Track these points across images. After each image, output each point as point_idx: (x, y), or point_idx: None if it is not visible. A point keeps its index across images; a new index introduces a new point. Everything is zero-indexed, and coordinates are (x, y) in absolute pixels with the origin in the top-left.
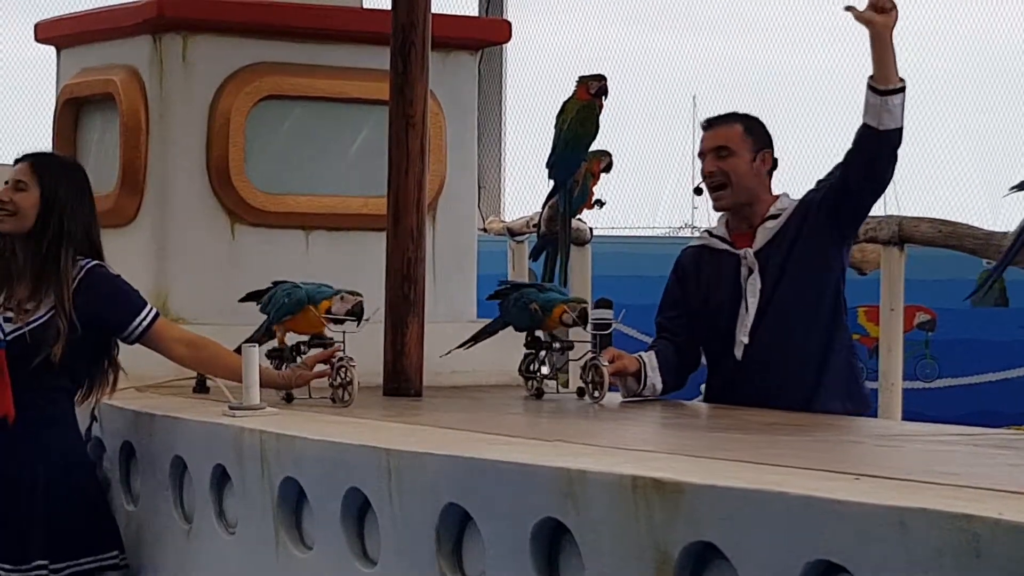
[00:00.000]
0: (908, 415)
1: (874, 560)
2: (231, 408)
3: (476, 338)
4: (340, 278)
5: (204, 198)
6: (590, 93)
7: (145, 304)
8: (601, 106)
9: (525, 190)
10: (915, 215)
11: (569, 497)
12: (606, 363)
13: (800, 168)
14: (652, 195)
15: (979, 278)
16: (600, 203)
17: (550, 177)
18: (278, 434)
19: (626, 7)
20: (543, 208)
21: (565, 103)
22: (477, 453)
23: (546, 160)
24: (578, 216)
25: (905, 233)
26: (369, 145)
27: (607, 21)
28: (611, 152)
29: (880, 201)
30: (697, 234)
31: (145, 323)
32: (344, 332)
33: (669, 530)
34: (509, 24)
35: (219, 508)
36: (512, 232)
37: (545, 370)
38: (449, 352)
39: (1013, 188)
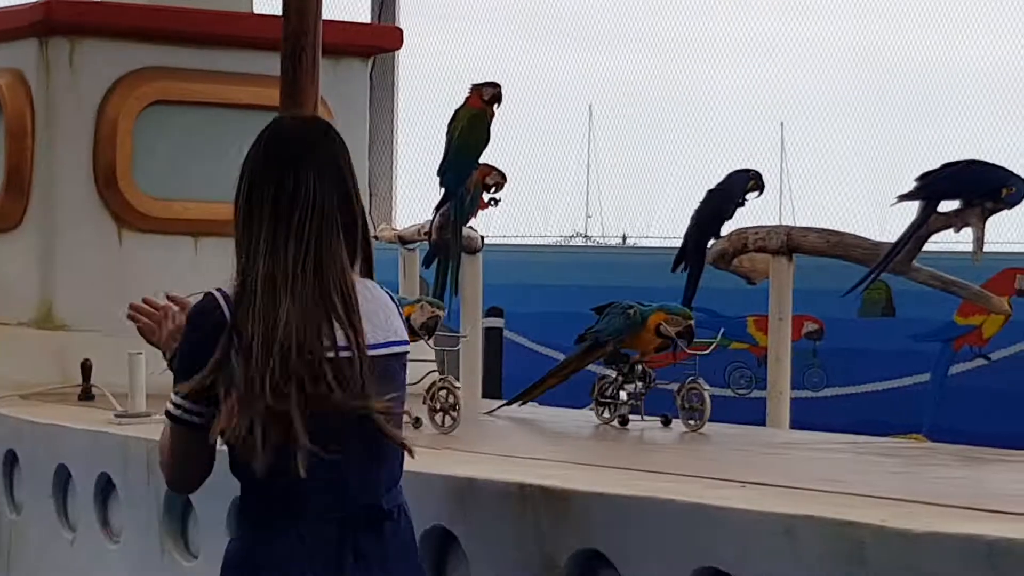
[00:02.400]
0: (796, 424)
1: (761, 567)
2: (116, 416)
3: (542, 386)
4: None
5: (91, 204)
6: (483, 101)
7: None
8: (493, 114)
9: (417, 198)
10: (804, 225)
11: (457, 505)
12: (707, 387)
13: (695, 180)
14: (544, 204)
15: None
16: (495, 201)
17: (441, 185)
18: None
19: (521, 17)
20: (434, 216)
21: (457, 111)
22: None
23: (438, 168)
24: (469, 224)
25: (794, 243)
26: None
27: (501, 30)
28: (505, 174)
29: (773, 211)
30: (589, 243)
31: None
32: (437, 347)
33: (556, 537)
34: (401, 31)
35: (104, 517)
36: (403, 240)
37: (624, 395)
38: (524, 402)
39: (900, 197)
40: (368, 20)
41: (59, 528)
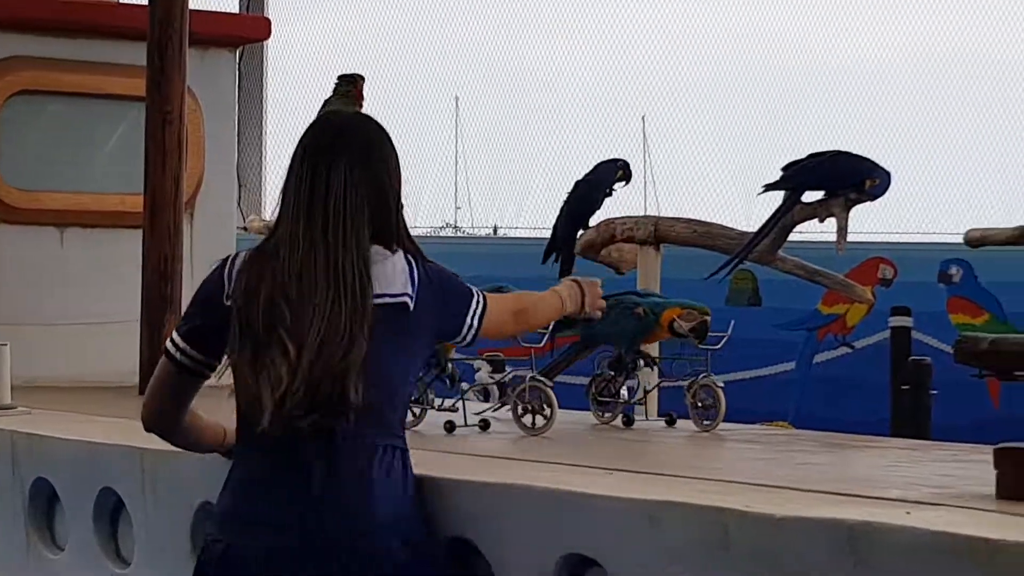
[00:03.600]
0: (663, 412)
1: (626, 553)
2: None
3: (550, 372)
4: (96, 277)
5: None
6: (349, 92)
7: None
8: (360, 106)
9: None
10: (672, 215)
11: None
12: (720, 384)
13: (563, 170)
14: (413, 196)
15: (732, 277)
16: None
17: None
18: (29, 434)
19: (389, 8)
20: None
21: (326, 102)
22: None
23: None
24: None
25: (661, 233)
26: (126, 142)
27: (370, 21)
28: None
29: (639, 201)
30: (459, 234)
31: None
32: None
33: (429, 526)
34: (268, 21)
35: None
36: None
37: (626, 393)
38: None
39: (766, 187)
40: (236, 10)
41: None
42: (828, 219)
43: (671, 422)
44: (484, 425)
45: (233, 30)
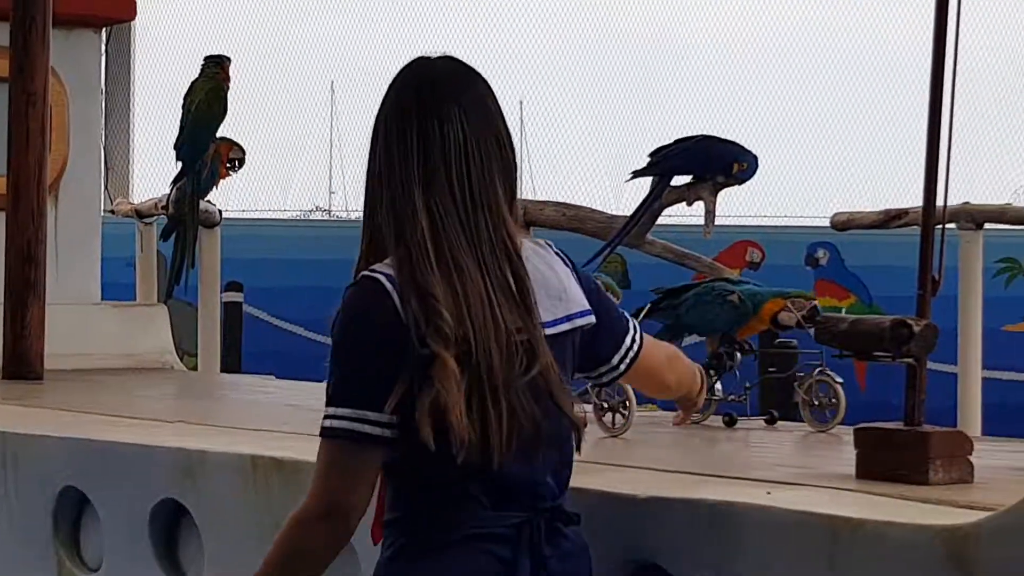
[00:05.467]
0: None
1: None
2: None
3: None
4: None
5: None
6: (217, 74)
7: None
8: (228, 87)
9: (154, 171)
10: (542, 199)
11: (188, 478)
12: (839, 380)
13: None
14: (284, 179)
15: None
16: (236, 164)
17: (178, 159)
18: None
19: None
20: (171, 190)
21: (193, 84)
22: (95, 435)
23: (174, 141)
24: (207, 198)
25: (531, 216)
26: None
27: (244, 3)
28: (243, 146)
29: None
30: (330, 217)
31: None
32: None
33: (289, 509)
34: (134, 2)
35: None
36: (140, 214)
37: (719, 388)
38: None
39: (634, 173)
40: None
41: None
42: (696, 203)
43: (731, 423)
44: None
45: (98, 10)
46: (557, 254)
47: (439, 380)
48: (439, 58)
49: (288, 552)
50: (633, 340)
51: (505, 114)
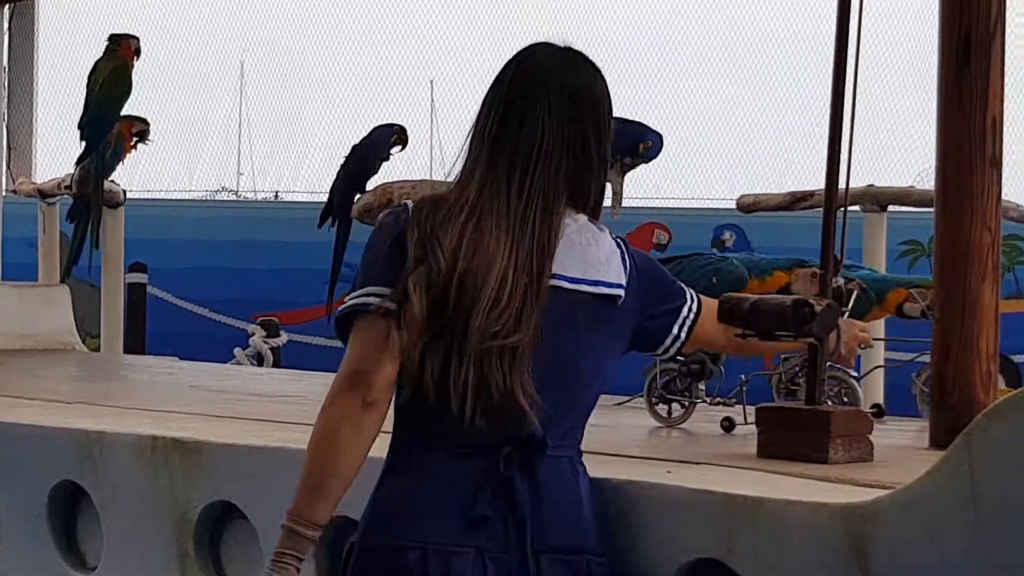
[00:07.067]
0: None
1: None
2: None
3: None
4: None
5: None
6: (122, 53)
7: None
8: (132, 66)
9: (58, 151)
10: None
11: (87, 459)
12: (853, 375)
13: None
14: (190, 159)
15: None
16: (143, 134)
17: (82, 138)
18: None
19: None
20: (75, 170)
21: (97, 63)
22: None
23: (78, 121)
24: (111, 178)
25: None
26: None
27: None
28: (147, 119)
29: (424, 167)
30: (237, 198)
31: None
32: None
33: (189, 490)
34: None
35: None
36: (43, 194)
37: (703, 389)
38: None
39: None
40: None
41: None
42: None
43: (730, 427)
44: None
45: None
46: (613, 236)
47: (406, 319)
48: (552, 48)
49: (326, 427)
50: (684, 319)
51: (608, 108)
